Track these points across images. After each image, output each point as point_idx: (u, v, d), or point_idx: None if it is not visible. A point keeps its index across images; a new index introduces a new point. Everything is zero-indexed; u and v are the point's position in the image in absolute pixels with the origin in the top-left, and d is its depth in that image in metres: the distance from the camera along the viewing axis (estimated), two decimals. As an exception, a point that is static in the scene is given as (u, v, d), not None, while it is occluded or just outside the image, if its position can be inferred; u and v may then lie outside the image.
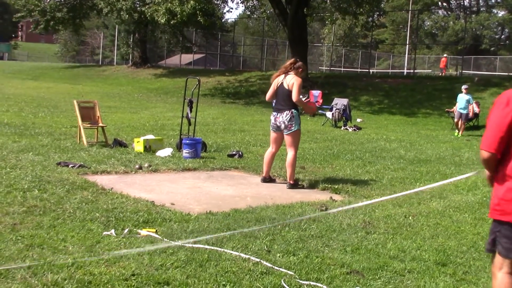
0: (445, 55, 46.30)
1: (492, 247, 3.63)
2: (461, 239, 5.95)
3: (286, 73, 8.55)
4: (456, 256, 5.35)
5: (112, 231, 5.37)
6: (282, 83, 8.48)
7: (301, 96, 8.62)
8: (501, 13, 65.64)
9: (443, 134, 18.35)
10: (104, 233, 5.32)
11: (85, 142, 10.98)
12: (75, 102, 11.67)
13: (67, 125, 14.03)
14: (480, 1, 69.24)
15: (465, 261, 5.23)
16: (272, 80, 8.68)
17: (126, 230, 5.41)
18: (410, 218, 6.72)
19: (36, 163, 8.61)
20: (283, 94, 8.46)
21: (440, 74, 41.82)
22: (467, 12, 63.17)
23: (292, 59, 8.85)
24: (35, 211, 5.91)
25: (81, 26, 45.83)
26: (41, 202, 6.29)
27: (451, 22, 64.51)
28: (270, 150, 8.77)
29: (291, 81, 8.39)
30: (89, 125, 11.41)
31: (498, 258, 3.61)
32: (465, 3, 70.37)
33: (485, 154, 3.50)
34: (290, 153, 8.47)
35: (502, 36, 67.07)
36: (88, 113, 11.54)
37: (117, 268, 4.43)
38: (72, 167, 8.52)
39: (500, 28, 66.78)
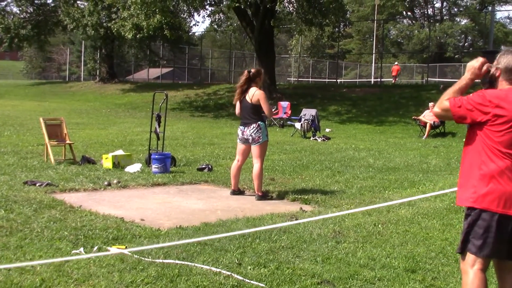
0: (396, 63, 46.74)
1: (464, 246, 3.69)
2: (430, 245, 6.02)
3: (247, 86, 8.57)
4: (425, 263, 5.41)
5: (81, 249, 5.32)
6: (245, 97, 8.54)
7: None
8: (463, 21, 66.87)
9: (410, 142, 18.55)
10: (73, 251, 5.26)
11: (52, 160, 10.85)
12: (41, 119, 11.52)
13: (34, 143, 13.83)
14: (444, 10, 70.45)
15: (434, 267, 5.30)
16: (236, 94, 8.68)
17: (95, 248, 5.36)
18: (380, 226, 6.78)
19: (2, 183, 8.49)
20: (246, 108, 8.53)
21: (393, 81, 42.31)
22: (431, 21, 64.07)
23: (245, 72, 8.73)
24: (1, 232, 5.82)
25: (46, 42, 45.44)
26: (8, 222, 6.19)
27: (416, 31, 65.40)
28: (236, 162, 8.79)
29: (254, 95, 8.44)
30: (56, 142, 11.28)
31: (470, 256, 3.67)
32: (429, 12, 71.46)
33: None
34: (256, 165, 8.50)
35: (466, 44, 68.27)
36: (55, 131, 11.41)
37: (87, 286, 4.39)
38: (40, 185, 8.42)
39: (463, 36, 67.91)
